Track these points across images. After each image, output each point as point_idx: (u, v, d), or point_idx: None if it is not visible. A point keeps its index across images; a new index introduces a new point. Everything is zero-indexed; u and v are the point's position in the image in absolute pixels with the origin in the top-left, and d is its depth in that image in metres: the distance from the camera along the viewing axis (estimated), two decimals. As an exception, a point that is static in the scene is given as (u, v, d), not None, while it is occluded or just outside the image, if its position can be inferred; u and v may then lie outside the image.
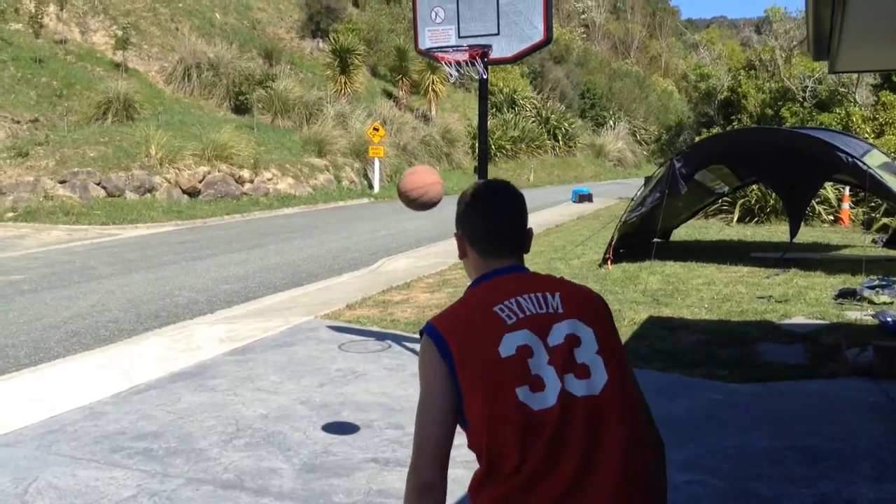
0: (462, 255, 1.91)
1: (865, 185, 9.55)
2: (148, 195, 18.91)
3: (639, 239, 12.04)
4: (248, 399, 5.45)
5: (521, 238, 1.88)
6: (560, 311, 1.73)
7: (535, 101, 46.72)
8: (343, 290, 9.64)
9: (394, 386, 5.64)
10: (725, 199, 16.22)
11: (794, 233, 11.97)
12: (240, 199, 20.79)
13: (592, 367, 1.70)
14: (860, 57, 5.74)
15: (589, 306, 1.80)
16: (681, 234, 14.37)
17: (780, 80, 25.06)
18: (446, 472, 1.72)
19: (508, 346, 1.66)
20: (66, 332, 7.62)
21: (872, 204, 14.93)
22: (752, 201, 16.80)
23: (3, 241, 14.08)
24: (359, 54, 31.97)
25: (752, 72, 26.55)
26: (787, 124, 21.15)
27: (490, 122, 34.89)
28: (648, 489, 1.72)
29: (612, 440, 1.66)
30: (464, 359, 1.66)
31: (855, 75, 21.72)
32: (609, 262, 10.80)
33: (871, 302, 8.14)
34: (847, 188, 15.59)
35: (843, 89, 23.11)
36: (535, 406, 1.63)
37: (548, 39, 5.77)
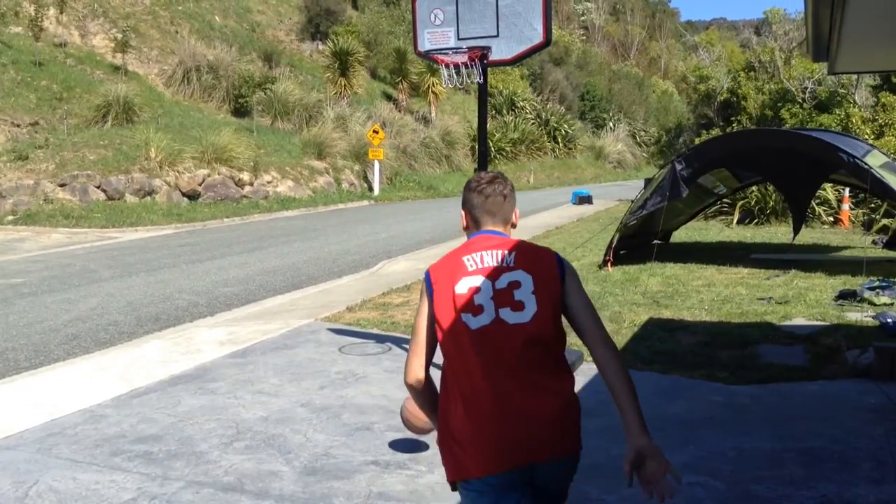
0: (465, 226, 2.56)
1: (867, 185, 9.55)
2: (148, 198, 18.92)
3: (639, 241, 12.04)
4: (249, 402, 5.45)
5: (507, 214, 2.52)
6: (512, 264, 2.39)
7: (534, 103, 46.74)
8: (343, 292, 9.64)
9: (394, 388, 5.63)
10: (725, 200, 16.22)
11: (797, 230, 12.10)
12: (240, 202, 20.80)
13: (526, 303, 2.34)
14: (860, 58, 5.74)
15: (537, 261, 2.42)
16: (681, 235, 14.37)
17: (780, 81, 25.04)
18: (429, 368, 2.43)
19: (462, 286, 2.37)
20: (66, 336, 7.62)
21: (872, 205, 14.93)
22: (752, 203, 16.80)
23: (2, 245, 14.08)
24: (358, 57, 31.99)
25: (752, 73, 26.53)
26: (787, 126, 21.14)
27: (490, 124, 34.90)
28: (562, 391, 2.45)
29: (533, 356, 2.33)
30: (436, 291, 2.40)
31: (854, 76, 21.72)
32: (609, 264, 10.80)
33: (871, 303, 8.14)
34: (847, 189, 15.60)
35: (842, 90, 23.10)
36: (473, 325, 2.33)
37: (547, 41, 5.77)
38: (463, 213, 2.55)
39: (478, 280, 2.36)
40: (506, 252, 2.40)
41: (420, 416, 2.74)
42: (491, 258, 2.39)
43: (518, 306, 2.33)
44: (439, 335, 2.38)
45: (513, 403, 2.29)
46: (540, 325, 2.33)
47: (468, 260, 2.41)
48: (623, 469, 2.35)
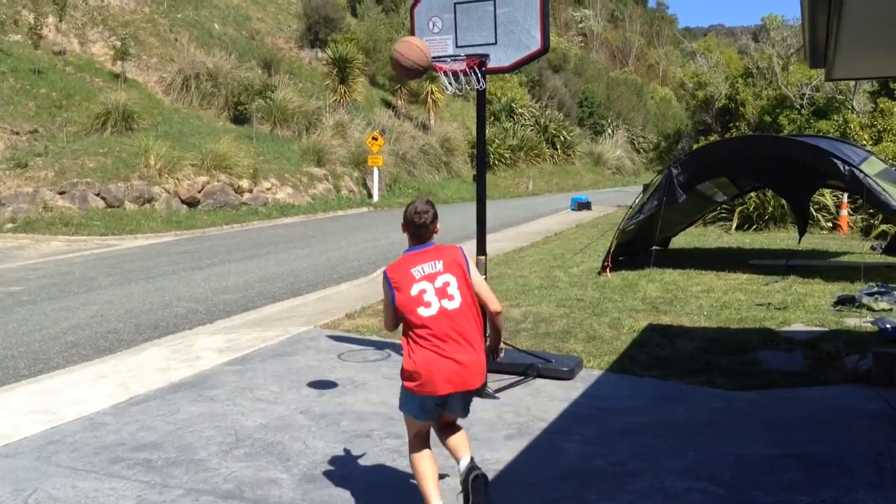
0: (404, 231, 3.74)
1: (862, 195, 9.57)
2: (147, 205, 18.92)
3: (638, 247, 12.05)
4: (248, 409, 5.45)
5: (431, 232, 3.70)
6: (441, 269, 3.62)
7: (533, 110, 46.81)
8: (342, 299, 9.64)
9: (393, 395, 5.61)
10: (724, 206, 16.23)
11: (802, 232, 12.42)
12: (239, 209, 20.81)
13: (456, 295, 3.58)
14: (857, 64, 5.76)
15: (453, 262, 3.65)
16: (679, 241, 14.38)
17: (778, 87, 25.11)
18: (397, 326, 3.67)
19: (415, 289, 3.56)
20: (65, 343, 7.62)
21: (871, 211, 14.94)
22: (751, 209, 16.82)
23: (2, 252, 14.08)
24: (357, 64, 32.04)
25: (750, 79, 26.60)
26: (785, 132, 21.20)
27: (489, 131, 34.99)
28: (479, 348, 3.60)
29: (464, 327, 3.56)
30: (396, 291, 3.59)
31: (852, 82, 21.78)
32: (608, 270, 10.81)
33: (869, 308, 8.15)
34: (845, 195, 15.62)
35: (840, 96, 23.16)
36: (426, 314, 3.53)
37: (545, 48, 5.79)
38: (403, 226, 3.75)
39: (424, 284, 3.57)
40: (435, 260, 3.63)
41: None
42: (429, 267, 3.62)
43: (451, 298, 3.58)
44: (403, 318, 3.59)
45: (450, 356, 3.50)
46: (465, 308, 3.59)
47: (415, 271, 3.61)
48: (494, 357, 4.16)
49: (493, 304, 3.71)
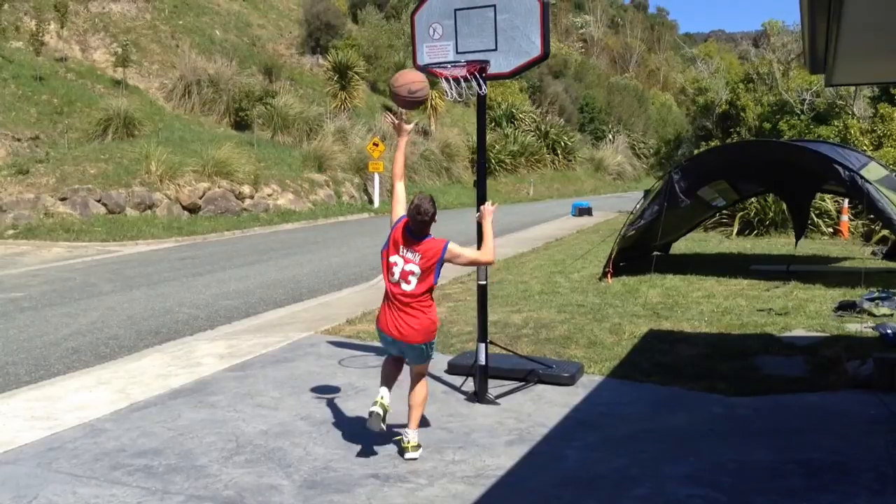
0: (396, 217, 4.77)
1: (862, 202, 9.56)
2: (148, 212, 18.95)
3: (639, 252, 12.05)
4: (249, 415, 5.45)
5: (428, 227, 4.61)
6: (416, 259, 4.56)
7: (534, 116, 46.85)
8: (343, 305, 9.64)
9: (394, 401, 5.62)
10: (724, 212, 16.22)
11: (798, 236, 12.43)
12: (240, 215, 20.82)
13: (413, 283, 4.55)
14: (856, 70, 5.76)
15: (429, 255, 4.56)
16: (680, 247, 14.38)
17: (778, 93, 25.11)
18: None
19: (393, 258, 4.64)
20: (66, 349, 7.62)
21: (872, 216, 14.93)
22: (752, 214, 16.81)
23: (3, 259, 14.09)
24: (358, 70, 32.09)
25: (750, 85, 26.60)
26: (785, 137, 21.17)
27: (489, 137, 34.94)
28: (414, 320, 4.57)
29: (408, 304, 4.57)
30: (390, 245, 4.69)
31: (853, 88, 21.78)
32: (609, 276, 10.81)
33: (870, 314, 8.14)
34: (846, 200, 15.61)
35: (840, 102, 23.16)
36: (390, 280, 4.64)
37: (545, 54, 5.79)
38: (407, 218, 4.63)
39: (399, 261, 4.60)
40: (416, 251, 4.57)
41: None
42: (410, 255, 4.57)
43: (409, 283, 4.57)
44: (382, 259, 4.76)
45: (394, 313, 4.62)
46: (412, 296, 4.57)
47: (401, 249, 4.60)
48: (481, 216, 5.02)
49: (487, 256, 4.81)
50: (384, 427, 4.56)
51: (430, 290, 4.63)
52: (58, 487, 4.25)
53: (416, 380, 4.80)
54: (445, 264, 4.64)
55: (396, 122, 5.03)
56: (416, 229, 4.57)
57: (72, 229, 16.85)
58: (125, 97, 24.32)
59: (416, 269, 4.54)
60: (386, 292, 4.67)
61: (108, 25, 28.31)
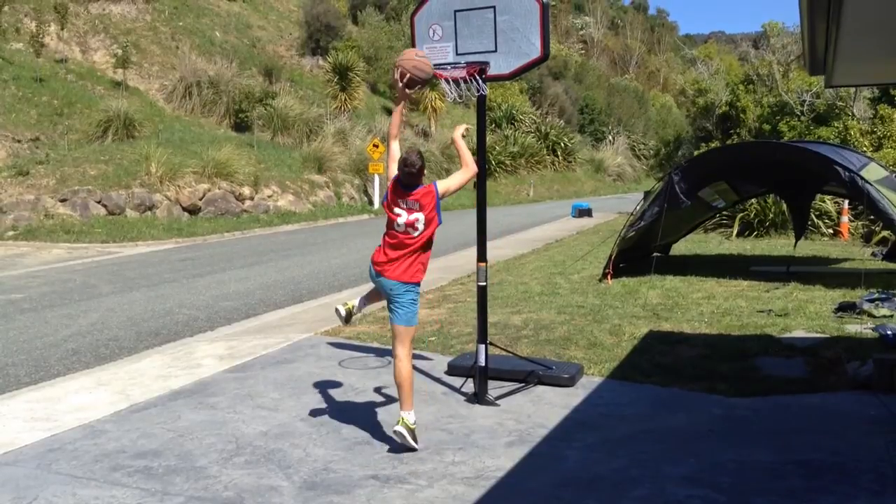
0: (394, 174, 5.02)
1: (863, 202, 9.56)
2: (148, 213, 18.96)
3: (639, 253, 12.05)
4: (248, 416, 5.45)
5: (418, 180, 4.90)
6: (416, 207, 4.84)
7: (534, 117, 46.86)
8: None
9: (394, 404, 5.63)
10: (724, 213, 16.23)
11: (798, 236, 12.48)
12: (240, 217, 20.83)
13: (420, 227, 4.83)
14: (856, 71, 5.77)
15: (426, 201, 4.84)
16: (680, 248, 14.38)
17: (778, 94, 25.13)
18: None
19: (396, 211, 4.88)
20: (66, 351, 7.62)
21: (872, 217, 14.94)
22: (752, 215, 16.81)
23: (3, 260, 14.10)
24: (358, 71, 32.11)
25: (750, 86, 26.62)
26: (785, 138, 21.18)
27: (489, 138, 34.96)
28: (402, 265, 4.86)
29: (405, 251, 4.86)
30: (388, 198, 4.98)
31: (853, 89, 21.79)
32: (609, 277, 10.81)
33: (870, 315, 8.14)
34: (846, 201, 15.62)
35: (840, 103, 23.17)
36: (396, 229, 4.89)
37: (545, 56, 5.79)
38: (399, 171, 4.92)
39: (402, 213, 4.86)
40: (414, 200, 4.84)
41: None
42: (409, 204, 4.85)
43: (415, 230, 4.84)
44: (385, 210, 5.02)
45: (387, 253, 4.90)
46: (420, 240, 4.85)
47: (400, 201, 4.87)
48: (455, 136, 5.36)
49: (470, 170, 5.15)
50: (343, 316, 5.31)
51: (431, 237, 4.94)
52: (57, 489, 4.25)
53: (396, 350, 4.86)
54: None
55: (401, 83, 5.17)
56: (406, 181, 4.88)
57: (72, 231, 16.86)
58: (125, 98, 24.33)
59: (420, 216, 4.83)
60: (385, 239, 4.96)
61: (108, 27, 28.33)
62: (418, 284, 4.93)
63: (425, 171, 4.99)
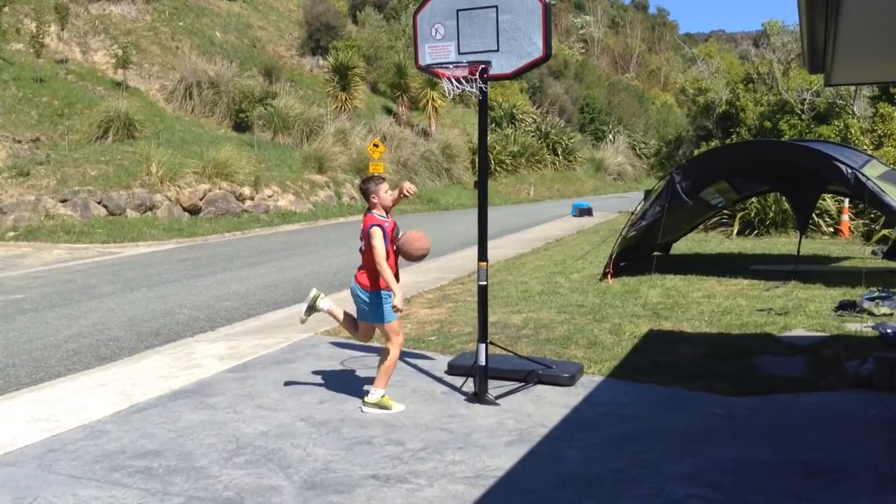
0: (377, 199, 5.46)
1: (864, 199, 9.56)
2: (149, 213, 18.96)
3: (639, 253, 12.05)
4: (249, 416, 5.45)
5: (366, 196, 5.48)
6: (361, 227, 5.47)
7: (534, 116, 46.87)
8: (343, 306, 9.60)
9: (394, 402, 5.63)
10: (725, 212, 16.23)
11: (802, 231, 12.52)
12: (240, 217, 20.84)
13: (361, 244, 5.43)
14: (855, 69, 5.77)
15: (363, 227, 5.40)
16: (681, 247, 14.38)
17: (778, 93, 25.09)
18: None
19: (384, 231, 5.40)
20: (66, 351, 7.63)
21: (872, 216, 14.94)
22: (752, 214, 16.81)
23: (4, 261, 14.11)
24: (358, 71, 32.12)
25: (751, 85, 26.57)
26: (786, 137, 21.17)
27: (490, 138, 34.97)
28: (361, 275, 5.49)
29: (363, 262, 5.48)
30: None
31: (853, 88, 21.76)
32: (609, 276, 10.81)
33: (871, 314, 8.14)
34: (847, 200, 15.61)
35: (841, 102, 23.13)
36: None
37: (547, 56, 5.79)
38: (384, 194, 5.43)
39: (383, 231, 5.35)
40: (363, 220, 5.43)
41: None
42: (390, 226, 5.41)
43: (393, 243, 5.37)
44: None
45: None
46: (363, 254, 5.37)
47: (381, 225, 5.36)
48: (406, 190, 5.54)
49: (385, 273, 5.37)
50: (304, 315, 5.92)
51: (374, 258, 5.26)
52: (58, 489, 4.25)
53: (385, 342, 5.56)
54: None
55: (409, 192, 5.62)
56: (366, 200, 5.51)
57: (72, 231, 16.86)
58: (125, 99, 24.35)
59: (361, 235, 5.44)
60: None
61: (108, 27, 28.34)
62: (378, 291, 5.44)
63: (377, 193, 5.38)
